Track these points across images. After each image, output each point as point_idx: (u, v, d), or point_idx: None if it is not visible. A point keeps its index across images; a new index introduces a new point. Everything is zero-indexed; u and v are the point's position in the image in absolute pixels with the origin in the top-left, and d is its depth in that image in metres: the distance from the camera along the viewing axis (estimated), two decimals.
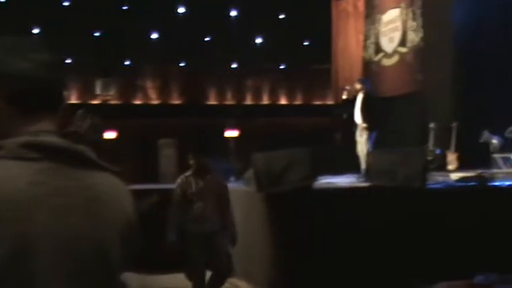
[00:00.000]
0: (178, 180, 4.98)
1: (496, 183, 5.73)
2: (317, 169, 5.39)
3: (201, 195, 4.79)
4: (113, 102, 14.56)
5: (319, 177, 7.92)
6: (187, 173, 4.90)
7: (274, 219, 4.97)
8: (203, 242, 4.75)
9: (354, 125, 8.61)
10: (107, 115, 10.35)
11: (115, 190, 1.06)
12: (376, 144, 8.17)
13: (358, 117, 8.52)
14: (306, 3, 13.92)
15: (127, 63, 14.99)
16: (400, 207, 5.17)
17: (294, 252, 4.91)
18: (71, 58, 14.02)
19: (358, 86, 8.53)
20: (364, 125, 8.19)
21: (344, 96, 8.81)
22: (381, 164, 5.54)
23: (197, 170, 4.84)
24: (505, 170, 7.89)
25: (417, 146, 8.30)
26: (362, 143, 8.19)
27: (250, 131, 14.35)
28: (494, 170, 7.70)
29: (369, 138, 8.14)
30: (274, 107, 15.48)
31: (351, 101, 8.67)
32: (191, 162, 4.89)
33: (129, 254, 1.05)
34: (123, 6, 14.01)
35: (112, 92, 14.50)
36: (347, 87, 8.82)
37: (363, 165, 7.90)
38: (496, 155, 8.38)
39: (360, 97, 8.49)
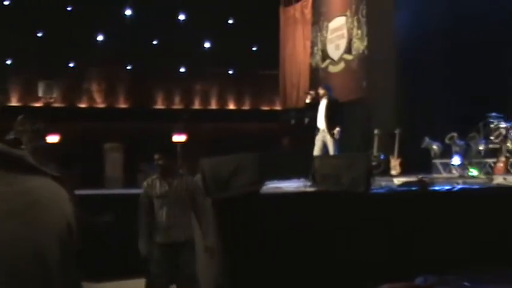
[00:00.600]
0: (144, 183, 4.57)
1: (436, 188, 5.92)
2: (265, 174, 5.42)
3: (166, 200, 4.36)
4: (56, 105, 14.18)
5: (267, 182, 8.06)
6: (155, 176, 4.49)
7: (221, 225, 4.96)
8: (168, 253, 4.30)
9: (315, 129, 8.71)
10: (49, 118, 10.10)
11: (55, 195, 1.06)
12: (340, 148, 8.36)
13: (321, 122, 8.62)
14: (255, 9, 14.03)
15: (71, 65, 14.64)
16: (345, 212, 5.26)
17: (242, 258, 4.92)
18: (12, 59, 13.58)
19: (321, 91, 8.66)
20: (338, 128, 8.33)
21: (307, 101, 8.88)
22: (326, 169, 5.63)
23: (163, 171, 4.42)
24: (444, 174, 8.17)
25: (362, 152, 8.51)
26: (329, 147, 8.33)
27: (198, 135, 14.31)
28: (435, 175, 7.96)
29: (335, 142, 8.29)
30: (222, 111, 15.50)
31: (313, 106, 8.79)
32: (159, 162, 4.46)
33: (69, 260, 1.04)
34: (68, 6, 13.69)
35: (55, 95, 14.12)
36: (311, 92, 8.92)
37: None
38: (437, 161, 8.68)
39: (323, 102, 8.63)
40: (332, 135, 8.43)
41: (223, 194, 5.05)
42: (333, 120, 8.51)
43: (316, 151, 8.44)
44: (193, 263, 4.43)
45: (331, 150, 8.27)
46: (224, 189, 5.07)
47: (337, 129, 8.34)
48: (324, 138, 8.56)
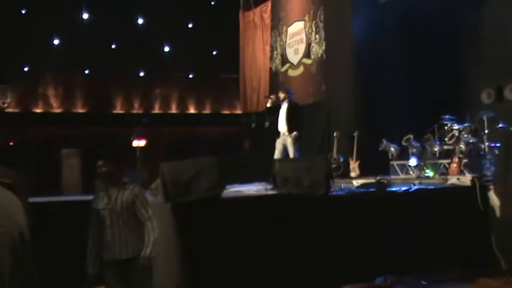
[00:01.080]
0: (93, 196, 4.17)
1: (394, 189, 6.03)
2: (225, 178, 5.40)
3: (107, 213, 3.95)
4: (10, 110, 13.80)
5: (228, 186, 8.03)
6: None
7: (182, 230, 4.90)
8: (117, 270, 3.92)
9: (275, 133, 8.72)
10: (3, 124, 9.81)
11: (7, 204, 1.02)
12: (301, 152, 8.41)
13: (282, 125, 8.64)
14: (215, 13, 14.01)
15: (26, 69, 14.28)
16: (306, 214, 5.30)
17: (203, 263, 4.88)
18: None
19: (282, 94, 8.67)
20: (294, 133, 8.35)
21: (268, 105, 8.86)
22: (287, 172, 5.64)
23: (106, 180, 4.02)
24: (402, 176, 8.33)
25: (322, 154, 8.58)
26: (290, 151, 8.34)
27: (158, 140, 14.17)
28: (392, 176, 8.11)
29: (295, 145, 8.31)
30: (182, 116, 15.39)
31: (274, 110, 8.80)
32: (102, 170, 4.04)
33: (22, 268, 1.01)
34: (22, 9, 13.36)
35: (9, 100, 13.75)
36: (271, 96, 8.91)
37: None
38: (394, 162, 8.84)
39: (284, 106, 8.66)
40: (293, 138, 8.51)
41: (184, 199, 4.99)
42: (293, 123, 8.57)
43: (277, 155, 8.49)
44: (147, 279, 4.03)
45: (291, 154, 8.33)
46: (185, 194, 5.01)
47: (294, 133, 8.37)
48: (284, 142, 8.60)
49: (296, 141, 8.45)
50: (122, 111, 15.05)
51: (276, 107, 8.79)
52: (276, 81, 12.48)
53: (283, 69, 12.29)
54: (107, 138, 13.12)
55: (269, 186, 6.54)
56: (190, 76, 15.70)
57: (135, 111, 14.96)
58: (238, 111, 14.72)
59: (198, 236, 4.91)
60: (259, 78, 13.24)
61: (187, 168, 5.16)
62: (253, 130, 12.65)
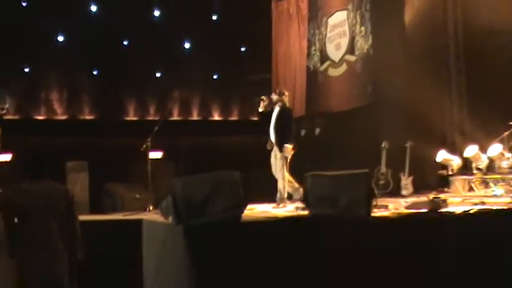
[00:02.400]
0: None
1: (450, 210, 5.95)
2: (248, 196, 5.45)
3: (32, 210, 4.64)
4: (9, 117, 14.16)
5: (251, 206, 8.07)
6: None
7: (195, 257, 4.95)
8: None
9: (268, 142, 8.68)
10: (1, 132, 10.07)
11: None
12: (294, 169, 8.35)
13: (272, 134, 8.57)
14: (243, 3, 14.12)
15: (26, 70, 14.66)
16: (343, 239, 5.28)
17: None
18: None
19: (275, 96, 8.61)
20: (287, 145, 8.28)
21: (260, 109, 8.74)
22: (321, 189, 5.64)
23: (29, 173, 4.74)
24: (463, 193, 8.22)
25: (364, 168, 8.51)
26: (277, 165, 8.28)
27: (176, 152, 14.29)
28: (451, 194, 8.01)
29: (283, 160, 8.20)
30: (205, 123, 15.49)
31: (267, 115, 8.69)
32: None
33: None
34: (22, 2, 13.73)
35: (8, 105, 14.10)
36: (263, 98, 8.75)
37: (283, 191, 8.08)
38: (454, 178, 8.73)
39: (276, 110, 8.59)
40: (281, 149, 8.31)
41: (198, 221, 5.04)
42: (280, 132, 8.40)
43: (274, 171, 8.39)
44: None
45: (278, 169, 8.18)
46: (199, 215, 5.07)
47: (287, 145, 8.27)
48: (274, 153, 8.48)
49: (284, 156, 8.28)
50: (135, 118, 15.26)
51: (270, 112, 8.67)
52: (314, 82, 12.46)
53: (322, 68, 12.28)
54: (118, 149, 13.31)
55: (300, 206, 6.56)
56: (215, 77, 15.81)
57: (150, 118, 15.15)
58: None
59: (214, 265, 4.94)
60: (294, 79, 13.24)
61: (203, 185, 5.22)
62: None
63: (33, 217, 4.55)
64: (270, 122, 8.54)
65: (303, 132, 12.21)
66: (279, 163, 8.22)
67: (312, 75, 12.60)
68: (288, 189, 8.29)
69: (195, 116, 15.72)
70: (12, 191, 4.73)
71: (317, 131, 11.83)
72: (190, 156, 14.09)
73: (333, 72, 11.93)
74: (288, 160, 8.32)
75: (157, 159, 13.06)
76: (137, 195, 9.27)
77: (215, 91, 15.65)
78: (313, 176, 5.84)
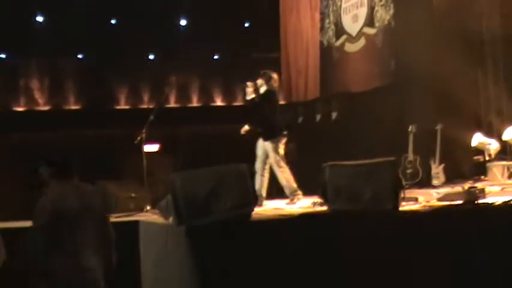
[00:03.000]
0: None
1: (488, 201, 5.92)
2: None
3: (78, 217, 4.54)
4: None
5: (263, 202, 8.07)
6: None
7: (199, 261, 4.95)
8: None
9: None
10: None
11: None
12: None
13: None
14: None
15: (3, 56, 14.69)
16: (366, 237, 5.27)
17: None
18: None
19: (259, 81, 8.52)
20: (284, 132, 8.25)
21: (247, 96, 8.56)
22: (341, 181, 5.63)
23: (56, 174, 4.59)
24: (502, 182, 8.18)
25: (388, 156, 8.49)
26: (271, 157, 8.19)
27: (174, 144, 14.30)
28: (489, 183, 7.97)
29: (275, 151, 8.11)
30: (206, 110, 15.48)
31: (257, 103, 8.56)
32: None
33: None
34: None
35: None
36: (248, 83, 8.63)
37: (291, 182, 8.03)
38: (492, 164, 8.69)
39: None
40: (267, 138, 8.20)
41: (201, 221, 5.04)
42: (268, 120, 8.31)
43: (258, 164, 8.31)
44: None
45: (272, 161, 8.08)
46: (202, 214, 5.06)
47: (283, 132, 8.21)
48: (264, 146, 8.40)
49: (278, 145, 8.20)
50: (127, 107, 15.28)
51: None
52: (329, 59, 12.44)
53: (338, 43, 12.25)
54: (109, 142, 13.34)
55: (317, 201, 6.55)
56: (215, 57, 15.79)
57: (144, 106, 15.15)
58: (280, 102, 14.72)
59: (221, 269, 4.94)
60: (306, 57, 13.22)
61: (206, 180, 5.21)
62: (301, 126, 12.65)
63: (73, 222, 4.48)
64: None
65: (318, 117, 12.19)
66: (272, 155, 8.13)
67: (327, 52, 12.57)
68: (281, 181, 8.23)
69: (194, 102, 15.72)
70: (47, 196, 4.57)
71: (334, 115, 11.78)
72: (190, 148, 14.10)
73: (350, 47, 11.89)
74: (283, 149, 8.25)
75: (154, 152, 13.08)
76: (132, 194, 9.25)
77: (216, 73, 15.63)
78: (331, 166, 5.82)
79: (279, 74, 13.95)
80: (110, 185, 10.43)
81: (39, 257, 4.36)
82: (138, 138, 8.95)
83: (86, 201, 4.57)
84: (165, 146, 13.23)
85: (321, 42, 12.74)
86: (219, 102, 15.83)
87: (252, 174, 5.81)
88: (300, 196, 8.03)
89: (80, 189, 4.60)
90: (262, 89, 8.43)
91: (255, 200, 5.46)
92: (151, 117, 8.95)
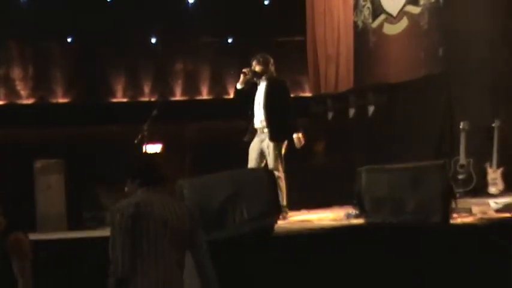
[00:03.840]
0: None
1: None
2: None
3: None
4: None
5: (287, 213, 8.08)
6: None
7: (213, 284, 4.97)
8: None
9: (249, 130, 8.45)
10: None
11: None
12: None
13: (258, 117, 8.37)
14: None
15: None
16: (411, 255, 5.29)
17: None
18: None
19: (257, 67, 8.43)
20: (297, 134, 8.13)
21: (238, 85, 8.39)
22: (380, 188, 5.65)
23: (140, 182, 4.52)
24: None
25: (436, 159, 8.48)
26: (269, 159, 8.07)
27: (182, 143, 14.33)
28: None
29: (278, 150, 7.98)
30: (218, 103, 15.49)
31: (249, 93, 8.36)
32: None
33: None
34: None
35: None
36: (245, 71, 8.34)
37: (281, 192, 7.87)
38: None
39: (262, 85, 8.41)
40: (275, 138, 8.07)
41: (214, 235, 5.06)
42: (284, 113, 8.21)
43: (252, 165, 8.15)
44: None
45: (271, 164, 7.96)
46: (215, 227, 5.10)
47: (298, 135, 8.08)
48: (261, 145, 8.26)
49: (281, 145, 8.05)
50: (125, 100, 15.33)
51: (252, 89, 8.47)
52: (365, 43, 12.41)
53: (375, 25, 12.22)
54: (103, 141, 13.38)
55: (353, 212, 6.56)
56: (229, 41, 15.80)
57: (145, 99, 15.21)
58: (306, 94, 14.72)
59: None
60: (337, 41, 13.20)
61: (220, 187, 5.25)
62: (331, 123, 12.64)
63: (150, 241, 4.47)
64: (251, 103, 8.38)
65: (351, 112, 12.18)
66: (272, 158, 8.00)
67: (362, 35, 12.55)
68: None
69: (204, 95, 15.73)
70: (122, 205, 4.54)
71: (370, 110, 11.76)
72: (200, 148, 14.11)
73: (390, 29, 11.86)
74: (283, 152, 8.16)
75: (157, 153, 13.13)
76: None
77: (231, 60, 15.61)
78: (368, 170, 5.84)
79: (305, 61, 14.07)
80: (104, 192, 10.49)
81: (124, 270, 4.36)
82: (139, 136, 8.98)
83: (168, 217, 4.51)
84: (169, 147, 13.25)
85: (355, 23, 12.72)
86: (233, 94, 15.85)
87: (274, 180, 5.77)
88: (286, 215, 7.80)
89: (164, 204, 4.54)
90: (264, 76, 8.35)
91: (278, 210, 5.48)
92: (154, 112, 8.98)
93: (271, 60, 8.45)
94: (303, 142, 8.17)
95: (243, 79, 8.32)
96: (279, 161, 7.98)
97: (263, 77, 8.29)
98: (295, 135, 8.10)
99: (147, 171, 4.55)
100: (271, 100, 8.19)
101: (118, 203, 4.46)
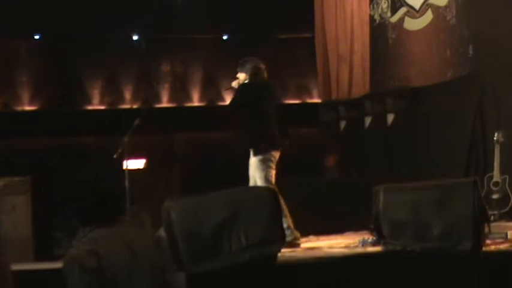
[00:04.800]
0: None
1: None
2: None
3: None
4: None
5: (292, 239, 8.09)
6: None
7: None
8: None
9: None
10: None
11: None
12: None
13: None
14: None
15: None
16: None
17: None
18: None
19: (240, 74, 8.48)
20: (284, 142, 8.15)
21: (234, 84, 8.60)
22: (400, 211, 5.66)
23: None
24: None
25: (465, 175, 8.49)
26: (256, 177, 8.05)
27: (169, 157, 14.33)
28: None
29: (262, 167, 7.95)
30: (211, 111, 15.50)
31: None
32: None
33: None
34: None
35: None
36: (233, 83, 8.52)
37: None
38: None
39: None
40: (257, 151, 8.03)
41: (208, 265, 5.10)
42: (248, 119, 8.26)
43: (253, 181, 8.14)
44: None
45: (258, 183, 7.91)
46: (209, 256, 5.12)
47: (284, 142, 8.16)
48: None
49: (264, 158, 8.03)
50: (102, 107, 15.35)
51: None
52: (383, 41, 12.44)
53: (394, 19, 12.25)
54: (76, 155, 13.39)
55: (369, 239, 6.57)
56: (224, 37, 15.84)
57: (125, 106, 15.23)
58: (315, 100, 14.74)
59: None
60: (351, 38, 13.22)
61: (215, 209, 5.26)
62: (343, 134, 12.65)
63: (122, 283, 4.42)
64: None
65: (367, 121, 12.19)
66: (257, 175, 8.00)
67: (379, 31, 12.58)
68: None
69: (195, 101, 15.75)
70: (81, 249, 4.42)
71: (389, 118, 11.78)
72: (190, 163, 14.13)
73: (412, 24, 11.90)
74: (274, 166, 8.13)
75: (140, 169, 13.13)
76: None
77: (226, 61, 15.64)
78: (386, 190, 5.85)
79: (314, 61, 14.07)
80: (71, 212, 10.52)
81: None
82: (119, 150, 9.02)
83: (134, 252, 4.43)
84: (154, 162, 13.26)
85: (371, 18, 12.74)
86: (229, 100, 15.84)
87: (278, 200, 5.77)
88: (298, 241, 7.80)
89: (127, 238, 4.47)
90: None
91: (282, 235, 5.49)
92: (137, 122, 9.02)
93: (261, 65, 8.43)
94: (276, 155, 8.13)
95: (235, 83, 8.42)
96: (266, 178, 7.93)
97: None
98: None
99: (101, 206, 4.46)
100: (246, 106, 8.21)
101: (72, 251, 4.39)
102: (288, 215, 7.61)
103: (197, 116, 15.10)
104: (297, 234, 7.60)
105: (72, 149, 13.64)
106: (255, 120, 8.16)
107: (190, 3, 15.19)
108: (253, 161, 7.96)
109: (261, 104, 8.23)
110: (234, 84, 8.44)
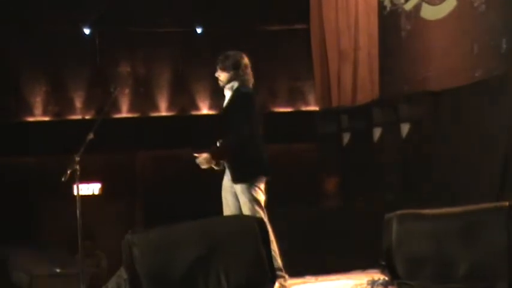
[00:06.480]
0: None
1: None
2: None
3: None
4: None
5: (283, 278, 8.13)
6: None
7: None
8: None
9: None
10: None
11: None
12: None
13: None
14: None
15: None
16: None
17: None
18: None
19: (222, 74, 8.44)
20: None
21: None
22: (418, 244, 5.70)
23: None
24: None
25: (500, 200, 8.52)
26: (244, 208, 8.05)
27: (129, 180, 14.38)
28: None
29: (249, 194, 7.95)
30: (181, 121, 15.56)
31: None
32: None
33: None
34: None
35: None
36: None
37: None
38: None
39: (227, 96, 8.44)
40: (237, 179, 8.02)
41: None
42: (234, 140, 8.23)
43: (227, 210, 8.14)
44: None
45: (244, 211, 7.91)
46: None
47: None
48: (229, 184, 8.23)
49: (255, 186, 8.14)
50: (45, 118, 15.38)
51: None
52: (394, 32, 12.51)
53: (409, 6, 12.33)
54: (17, 178, 13.47)
55: (379, 279, 6.60)
56: (198, 31, 15.92)
57: (76, 117, 15.27)
58: (311, 108, 14.82)
59: None
60: (354, 30, 13.29)
61: (187, 243, 5.28)
62: (347, 149, 12.69)
63: None
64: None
65: (376, 133, 12.21)
66: (243, 201, 8.00)
67: (390, 21, 12.66)
68: None
69: (163, 110, 15.82)
70: None
71: (404, 129, 11.83)
72: (156, 186, 14.18)
73: (431, 12, 11.97)
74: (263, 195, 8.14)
75: (94, 195, 13.17)
76: (57, 270, 9.37)
77: (201, 59, 15.70)
78: (401, 218, 5.89)
79: (309, 59, 14.16)
80: (20, 253, 10.60)
81: None
82: (68, 171, 9.04)
83: None
84: (112, 185, 13.31)
85: (381, 5, 12.80)
86: (205, 109, 15.90)
87: (267, 232, 5.79)
88: (285, 282, 7.84)
89: None
90: (232, 85, 8.37)
91: (272, 276, 5.52)
92: (90, 136, 9.04)
93: (246, 62, 8.41)
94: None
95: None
96: (256, 207, 7.92)
97: (228, 86, 8.27)
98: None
99: None
100: (230, 119, 8.18)
101: None
102: (277, 250, 7.63)
103: (165, 129, 15.17)
104: (284, 274, 7.63)
105: (8, 171, 13.67)
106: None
107: None
108: (239, 186, 7.95)
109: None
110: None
